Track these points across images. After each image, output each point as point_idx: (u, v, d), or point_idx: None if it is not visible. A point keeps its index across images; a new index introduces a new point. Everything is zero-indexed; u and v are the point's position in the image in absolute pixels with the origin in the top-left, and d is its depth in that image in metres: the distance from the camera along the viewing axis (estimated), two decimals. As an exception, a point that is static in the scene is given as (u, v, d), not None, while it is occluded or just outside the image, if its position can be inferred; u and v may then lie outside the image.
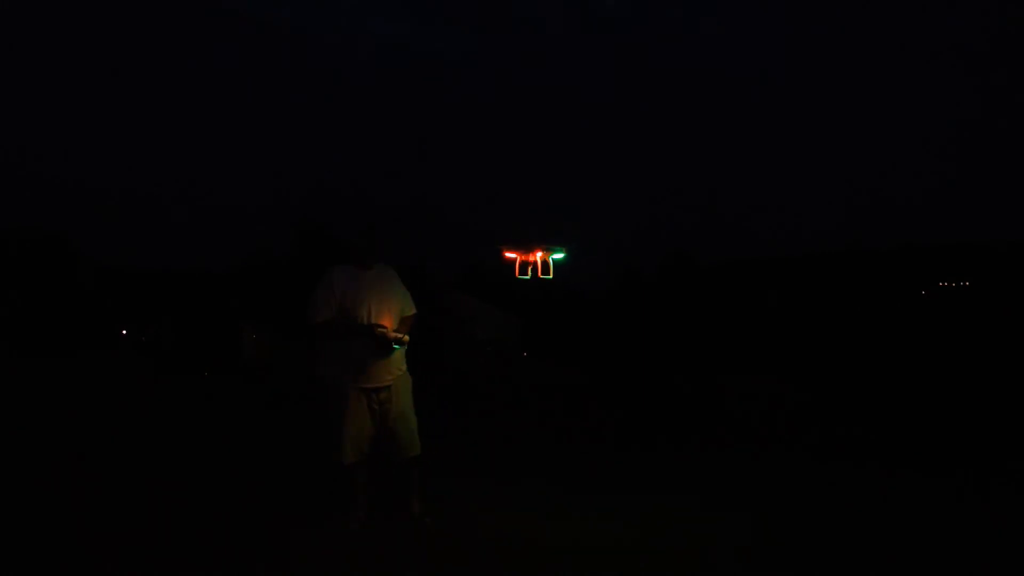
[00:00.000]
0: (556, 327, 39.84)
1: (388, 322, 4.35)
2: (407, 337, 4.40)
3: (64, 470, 5.79)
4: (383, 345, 4.28)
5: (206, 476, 5.70)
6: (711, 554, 4.06)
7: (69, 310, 36.26)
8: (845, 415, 10.88)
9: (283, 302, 33.10)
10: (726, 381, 17.38)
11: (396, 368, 4.39)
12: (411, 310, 4.53)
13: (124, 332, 43.07)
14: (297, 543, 4.07)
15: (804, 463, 6.79)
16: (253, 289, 34.81)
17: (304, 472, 5.85)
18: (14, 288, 34.46)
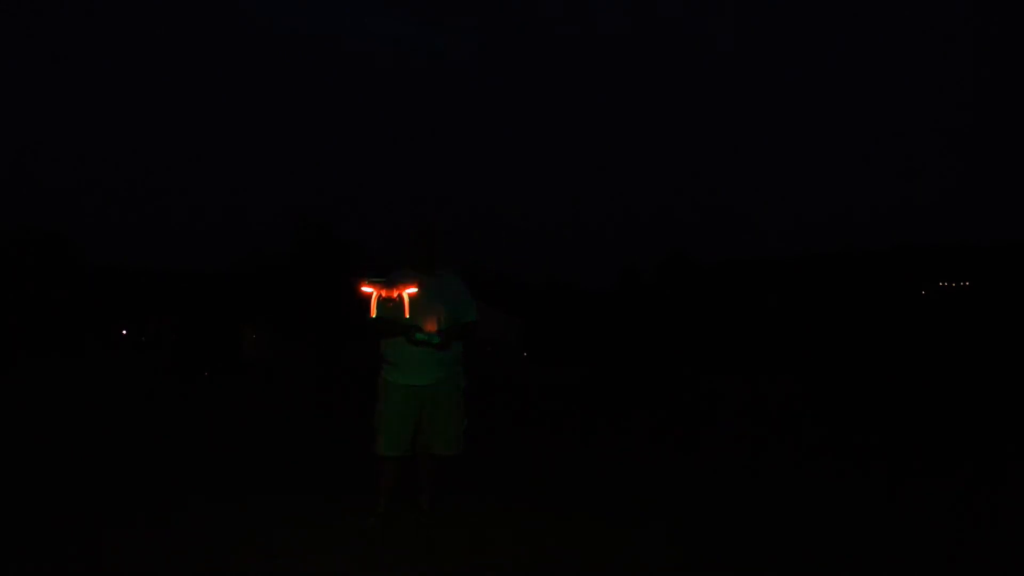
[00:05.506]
0: (557, 328, 39.88)
1: (431, 325, 4.42)
2: (429, 336, 4.38)
3: (63, 469, 5.78)
4: (416, 344, 4.38)
5: (205, 474, 5.69)
6: (711, 557, 4.06)
7: (69, 310, 36.26)
8: (845, 415, 10.88)
9: (283, 302, 33.13)
10: (726, 382, 17.40)
11: (442, 368, 4.50)
12: (469, 317, 4.60)
13: (124, 332, 43.12)
14: (296, 541, 4.06)
15: (805, 464, 6.79)
16: (253, 289, 34.79)
17: (302, 470, 5.86)
18: (14, 288, 34.45)
